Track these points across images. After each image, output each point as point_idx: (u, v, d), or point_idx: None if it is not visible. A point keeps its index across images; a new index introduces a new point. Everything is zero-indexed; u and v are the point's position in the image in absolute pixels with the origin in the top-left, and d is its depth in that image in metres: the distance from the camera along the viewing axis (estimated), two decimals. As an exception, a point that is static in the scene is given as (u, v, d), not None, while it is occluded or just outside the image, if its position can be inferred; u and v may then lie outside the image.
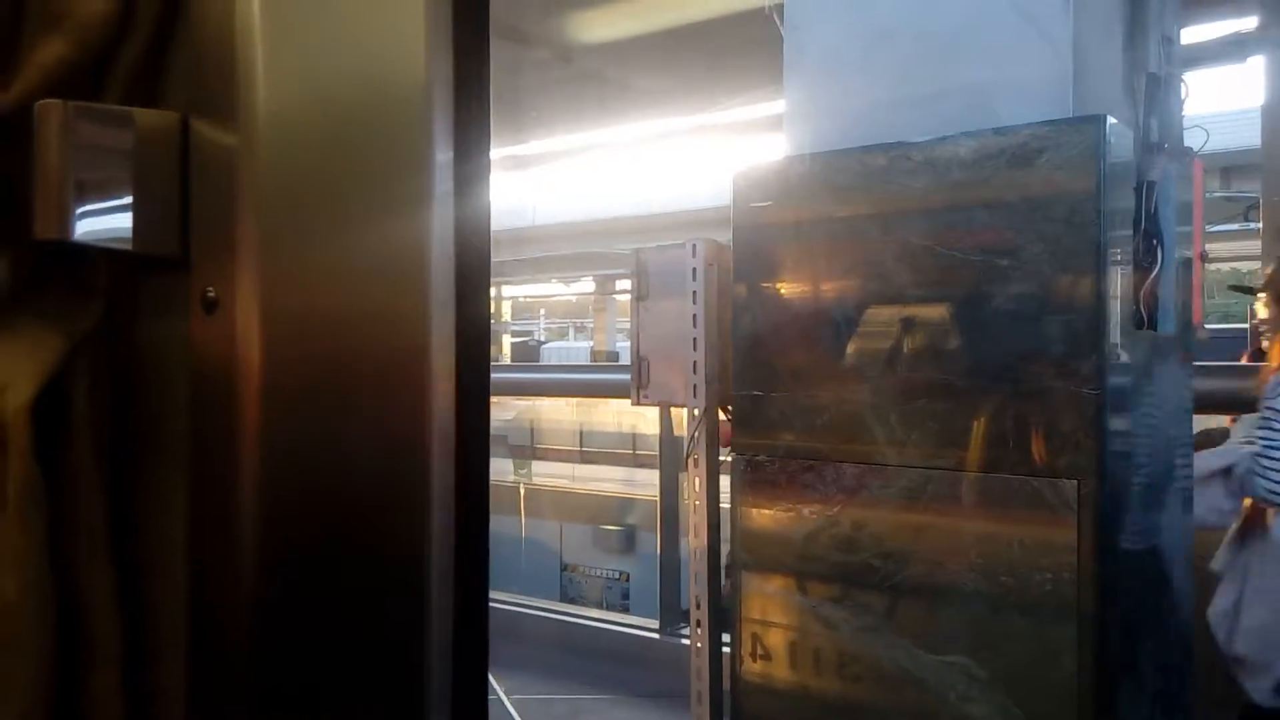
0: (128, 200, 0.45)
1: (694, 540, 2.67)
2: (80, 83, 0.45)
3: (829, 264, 2.35)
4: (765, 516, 2.44)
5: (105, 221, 0.45)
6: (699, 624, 2.61)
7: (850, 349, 2.29)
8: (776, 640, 2.45)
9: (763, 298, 2.44)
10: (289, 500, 0.43)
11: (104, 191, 0.45)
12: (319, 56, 0.45)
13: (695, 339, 2.66)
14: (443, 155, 0.46)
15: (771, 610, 2.45)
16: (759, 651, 2.47)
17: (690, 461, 2.68)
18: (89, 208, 0.45)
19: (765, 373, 2.42)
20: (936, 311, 2.18)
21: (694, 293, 2.69)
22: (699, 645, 2.60)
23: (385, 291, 0.45)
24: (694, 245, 2.73)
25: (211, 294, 0.44)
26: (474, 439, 0.47)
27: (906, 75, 2.36)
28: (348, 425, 0.44)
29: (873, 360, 2.25)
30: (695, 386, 2.66)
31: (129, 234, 0.45)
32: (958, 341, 2.14)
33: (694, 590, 2.64)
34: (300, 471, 0.44)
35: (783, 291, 2.43)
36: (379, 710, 0.45)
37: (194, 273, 0.46)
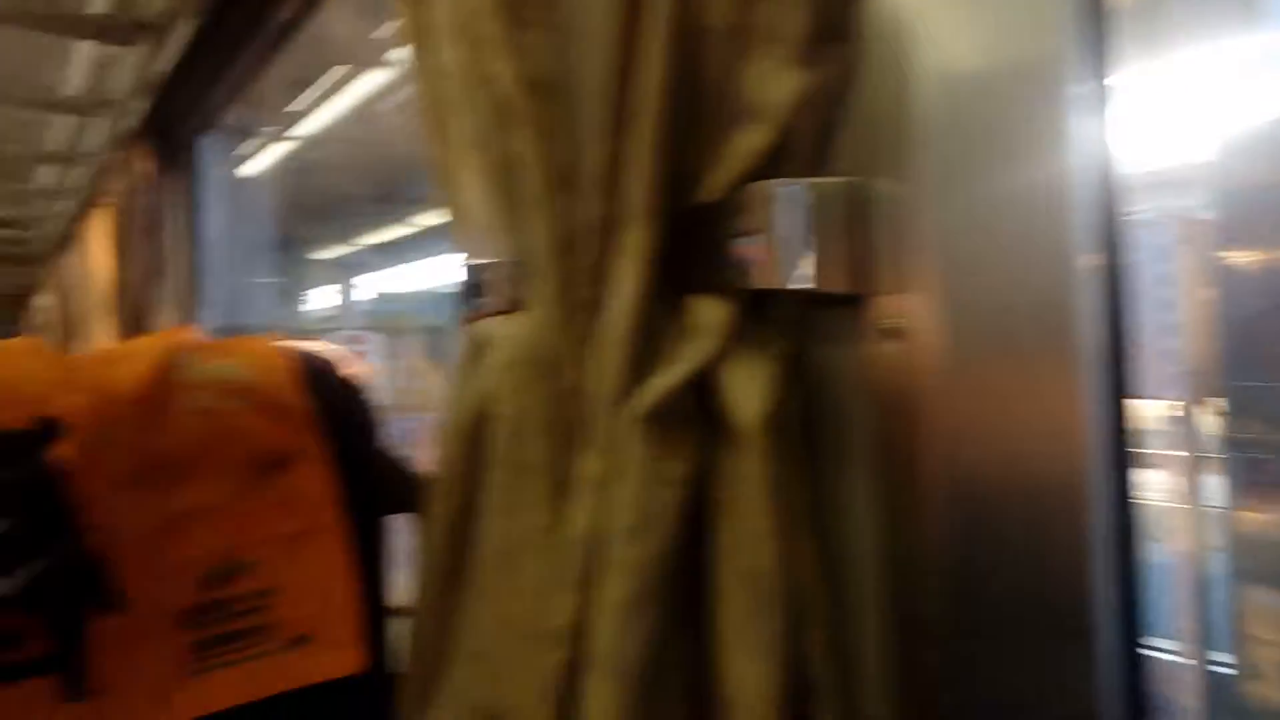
0: (817, 252, 0.53)
1: (1175, 545, 2.45)
2: (770, 159, 0.53)
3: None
4: (1269, 522, 2.18)
5: (800, 269, 0.53)
6: (1186, 636, 2.39)
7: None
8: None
9: (1262, 274, 2.17)
10: (968, 496, 0.47)
11: (799, 247, 0.53)
12: (970, 99, 0.48)
13: (1174, 325, 2.43)
14: (1075, 169, 0.47)
15: (1274, 626, 2.18)
16: (1256, 670, 2.21)
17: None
18: (790, 261, 0.53)
19: (1266, 359, 2.15)
20: None
21: (1167, 274, 2.46)
22: (1189, 661, 2.38)
23: (1031, 300, 0.47)
24: (1168, 222, 2.49)
25: (893, 324, 0.49)
26: (1118, 427, 0.47)
27: None
28: (1015, 429, 0.47)
29: None
30: (1176, 377, 2.43)
31: (816, 279, 0.53)
32: None
33: (1180, 599, 2.42)
34: (976, 474, 0.47)
35: (1289, 268, 2.14)
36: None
37: (876, 307, 0.52)
